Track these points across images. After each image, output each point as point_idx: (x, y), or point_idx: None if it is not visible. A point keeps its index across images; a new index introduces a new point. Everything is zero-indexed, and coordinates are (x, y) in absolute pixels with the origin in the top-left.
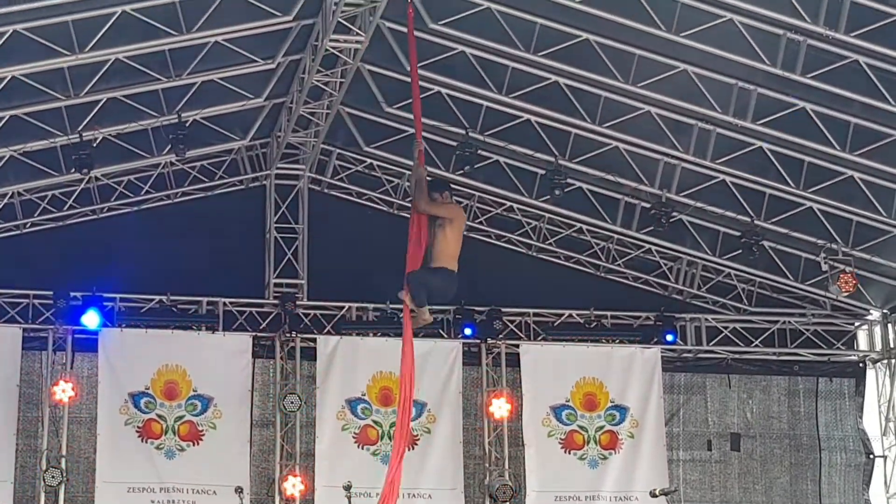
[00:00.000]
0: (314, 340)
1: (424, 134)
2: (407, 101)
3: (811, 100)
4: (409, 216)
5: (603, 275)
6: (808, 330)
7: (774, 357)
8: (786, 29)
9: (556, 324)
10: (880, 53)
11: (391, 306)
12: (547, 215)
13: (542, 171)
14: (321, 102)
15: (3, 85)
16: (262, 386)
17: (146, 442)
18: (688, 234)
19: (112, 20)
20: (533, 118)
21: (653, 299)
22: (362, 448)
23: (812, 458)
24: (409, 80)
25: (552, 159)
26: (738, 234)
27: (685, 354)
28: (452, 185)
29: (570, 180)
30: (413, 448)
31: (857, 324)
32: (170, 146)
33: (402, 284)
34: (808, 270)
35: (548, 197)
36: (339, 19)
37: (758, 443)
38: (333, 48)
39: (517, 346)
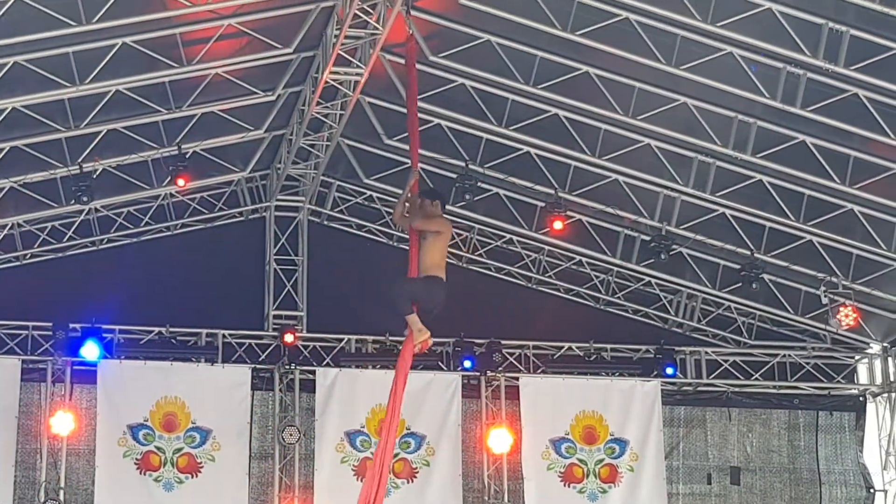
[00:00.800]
0: (313, 372)
1: (424, 166)
2: (407, 133)
3: (811, 133)
4: (406, 248)
5: (603, 307)
6: (808, 363)
7: (774, 390)
8: (785, 62)
9: (555, 356)
10: (880, 87)
11: (390, 338)
12: (546, 247)
13: (542, 204)
14: (321, 134)
15: (3, 116)
16: (260, 418)
17: (145, 474)
18: (688, 266)
19: (113, 52)
20: (533, 150)
21: (653, 332)
22: (361, 480)
23: (812, 492)
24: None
25: (552, 191)
26: (738, 266)
27: (685, 387)
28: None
29: (569, 212)
30: (412, 481)
31: (857, 357)
32: (170, 177)
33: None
34: (809, 303)
35: (547, 230)
36: (340, 52)
37: (758, 476)
38: (334, 80)
39: (517, 378)
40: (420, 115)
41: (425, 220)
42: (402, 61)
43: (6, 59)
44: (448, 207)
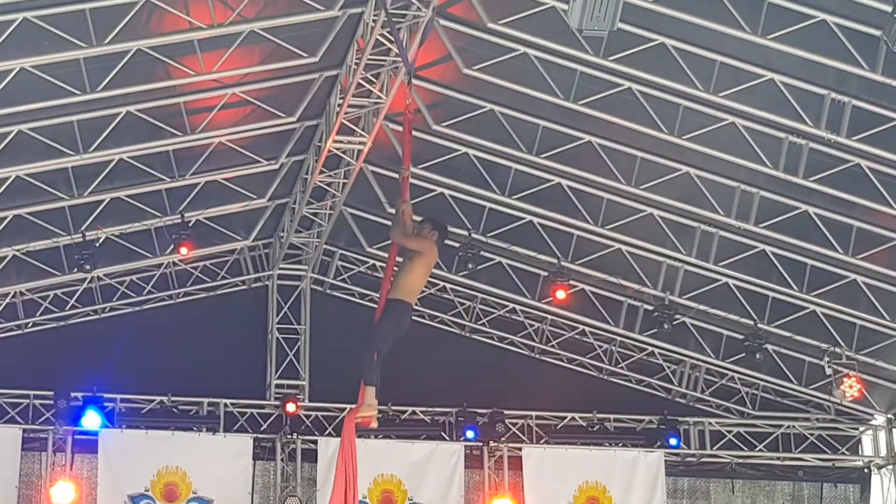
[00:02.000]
0: (315, 442)
1: None
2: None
3: (814, 203)
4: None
5: (606, 377)
6: (812, 434)
7: (778, 462)
8: (788, 132)
9: (558, 427)
10: (882, 157)
11: (392, 408)
12: (549, 317)
13: (545, 273)
14: (324, 203)
15: (7, 185)
16: (262, 488)
17: None
18: (691, 336)
19: (116, 120)
20: (535, 220)
21: (656, 402)
22: None
23: None
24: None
25: (555, 261)
26: (741, 337)
27: (689, 458)
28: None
29: (572, 282)
30: None
31: (861, 429)
32: (172, 246)
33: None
34: (812, 374)
35: (550, 299)
36: (343, 120)
37: None
38: (337, 149)
39: (520, 448)
40: (423, 183)
41: (408, 238)
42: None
43: (10, 128)
44: (451, 276)
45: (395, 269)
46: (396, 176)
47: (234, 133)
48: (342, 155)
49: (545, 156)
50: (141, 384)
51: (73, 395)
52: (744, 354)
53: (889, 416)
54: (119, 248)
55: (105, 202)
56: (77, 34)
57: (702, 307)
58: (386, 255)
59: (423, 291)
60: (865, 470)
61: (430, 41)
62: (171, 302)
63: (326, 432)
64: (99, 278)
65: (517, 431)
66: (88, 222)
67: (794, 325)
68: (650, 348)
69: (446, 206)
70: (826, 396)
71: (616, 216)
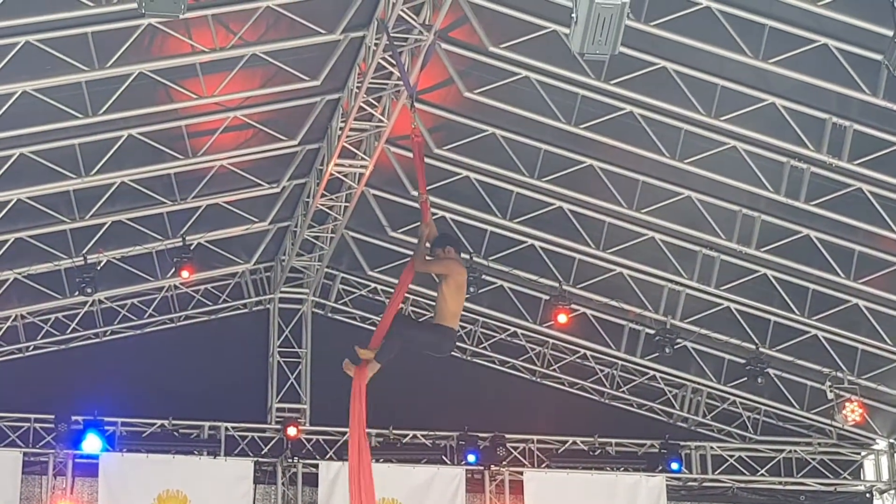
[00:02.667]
0: (316, 466)
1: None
2: (412, 225)
3: (815, 227)
4: None
5: (607, 401)
6: (814, 459)
7: (780, 486)
8: (789, 156)
9: (560, 451)
10: (883, 181)
11: (394, 432)
12: (551, 341)
13: (547, 297)
14: (326, 226)
15: (8, 208)
16: None
17: None
18: (692, 360)
19: (118, 144)
20: (537, 243)
21: (657, 427)
22: None
23: None
24: (413, 204)
25: (556, 284)
26: (742, 361)
27: (690, 483)
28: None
29: (574, 306)
30: None
31: (863, 453)
32: (174, 269)
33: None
34: (814, 398)
35: (552, 323)
36: (345, 144)
37: None
38: (338, 172)
39: (521, 473)
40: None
41: (429, 264)
42: (408, 154)
43: (12, 151)
44: None
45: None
46: (401, 200)
47: (235, 156)
48: (344, 178)
49: (547, 179)
50: (142, 407)
51: (73, 418)
52: (745, 378)
53: (891, 440)
54: (120, 271)
55: (106, 225)
56: (79, 57)
57: (703, 331)
58: (387, 278)
59: (422, 315)
60: (867, 495)
61: (432, 65)
62: (173, 325)
63: (327, 456)
64: (100, 301)
65: (518, 455)
66: (90, 245)
67: (796, 349)
68: (652, 372)
69: (448, 230)
70: (828, 421)
71: (617, 240)
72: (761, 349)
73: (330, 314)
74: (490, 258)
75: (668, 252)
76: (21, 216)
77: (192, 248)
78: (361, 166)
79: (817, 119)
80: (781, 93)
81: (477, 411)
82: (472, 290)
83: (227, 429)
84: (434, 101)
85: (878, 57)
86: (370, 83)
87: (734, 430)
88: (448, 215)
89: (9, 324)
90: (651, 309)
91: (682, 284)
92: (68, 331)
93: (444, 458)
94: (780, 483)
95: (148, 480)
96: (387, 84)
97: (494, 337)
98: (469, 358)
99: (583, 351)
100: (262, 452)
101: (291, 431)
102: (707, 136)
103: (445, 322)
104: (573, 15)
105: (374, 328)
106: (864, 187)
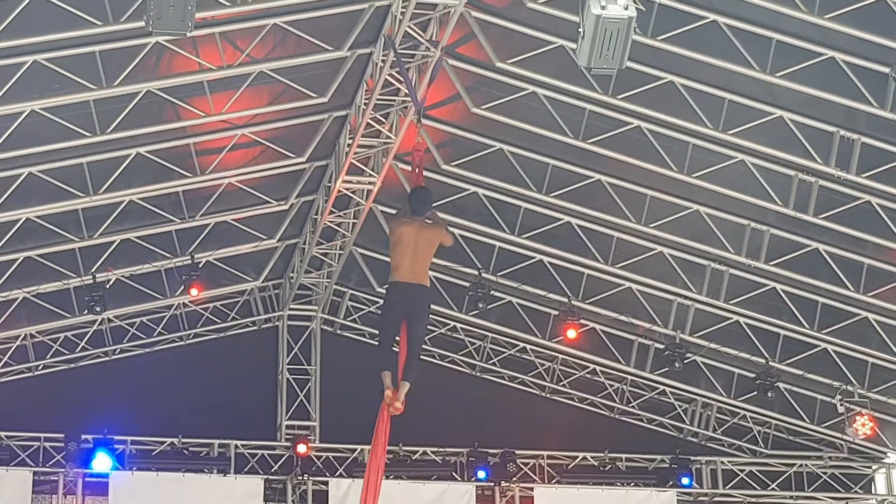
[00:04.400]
0: (326, 483)
1: (436, 274)
2: None
3: (824, 240)
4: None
5: (617, 416)
6: (825, 473)
7: (791, 501)
8: (797, 170)
9: (570, 466)
10: (892, 194)
11: (403, 448)
12: (560, 356)
13: (556, 312)
14: (334, 243)
15: (17, 227)
16: None
17: None
18: (702, 375)
19: (126, 162)
20: (545, 258)
21: (668, 441)
22: None
23: None
24: None
25: (565, 300)
26: (752, 375)
27: (701, 498)
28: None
29: (583, 321)
30: None
31: (874, 467)
32: (182, 287)
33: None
34: (824, 412)
35: (561, 338)
36: (353, 160)
37: None
38: (346, 189)
39: (531, 489)
40: None
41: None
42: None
43: (20, 170)
44: (461, 316)
45: None
46: None
47: (243, 174)
48: (352, 195)
49: (555, 195)
50: (151, 426)
51: (83, 437)
52: (755, 393)
53: None
54: (129, 289)
55: (115, 244)
56: (87, 76)
57: (713, 345)
58: None
59: (432, 331)
60: None
61: (439, 80)
62: (182, 343)
63: (337, 473)
64: (109, 320)
65: (529, 471)
66: (98, 264)
67: (806, 363)
68: (661, 387)
69: (456, 246)
70: (839, 435)
71: (626, 255)
72: (771, 363)
73: (339, 331)
74: (499, 274)
75: (677, 266)
76: (30, 235)
77: (200, 265)
78: (369, 183)
79: (825, 132)
80: (789, 106)
81: (487, 427)
82: (480, 305)
83: (236, 446)
84: (441, 117)
85: (886, 69)
86: (377, 100)
87: (745, 445)
88: (456, 231)
89: (18, 343)
90: (660, 323)
91: (691, 299)
92: (77, 349)
93: (454, 474)
94: (791, 497)
95: (158, 499)
96: (394, 100)
97: (504, 353)
98: (478, 374)
99: (592, 366)
100: (272, 470)
101: (301, 449)
102: (715, 150)
103: (393, 277)
104: (580, 30)
105: None
106: (872, 200)
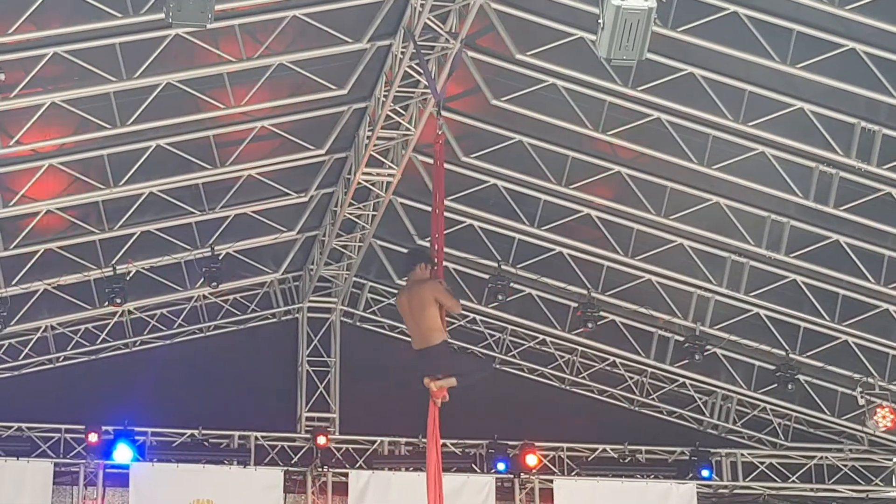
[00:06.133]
0: (346, 475)
1: (456, 266)
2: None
3: (844, 232)
4: None
5: (637, 409)
6: (845, 466)
7: (812, 493)
8: (818, 161)
9: (589, 458)
10: None
11: (423, 440)
12: (580, 348)
13: (575, 304)
14: (353, 235)
15: (37, 219)
16: None
17: None
18: (722, 367)
19: (146, 154)
20: (565, 251)
21: (688, 434)
22: None
23: None
24: None
25: (585, 292)
26: (773, 367)
27: (721, 490)
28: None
29: (602, 313)
30: None
31: (895, 459)
32: (203, 279)
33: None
34: (845, 405)
35: (580, 330)
36: (372, 153)
37: None
38: (366, 181)
39: (551, 481)
40: (452, 215)
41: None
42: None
43: (41, 162)
44: (481, 308)
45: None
46: (428, 209)
47: (263, 166)
48: (371, 187)
49: (574, 186)
50: (172, 417)
51: (104, 428)
52: (776, 385)
53: None
54: (149, 281)
55: (135, 236)
56: (107, 68)
57: (733, 338)
58: None
59: (451, 323)
60: None
61: (459, 73)
62: (202, 335)
63: (357, 465)
64: (129, 312)
65: (548, 464)
66: (119, 256)
67: (827, 355)
68: (681, 379)
69: (475, 238)
70: (859, 427)
71: (646, 247)
72: (791, 355)
73: (358, 323)
74: (518, 266)
75: (697, 258)
76: (50, 227)
77: (220, 258)
78: (389, 175)
79: (846, 123)
80: (809, 97)
81: (506, 420)
82: (500, 297)
83: (256, 438)
84: (461, 109)
85: None
86: (397, 92)
87: (765, 437)
88: (475, 223)
89: (39, 335)
90: (680, 316)
91: (711, 291)
92: (98, 341)
93: (473, 466)
94: (811, 490)
95: (178, 490)
96: (413, 92)
97: (523, 345)
98: (498, 366)
99: (612, 358)
100: (292, 462)
101: (321, 440)
102: (735, 141)
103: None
104: (600, 21)
105: (402, 337)
106: (893, 192)
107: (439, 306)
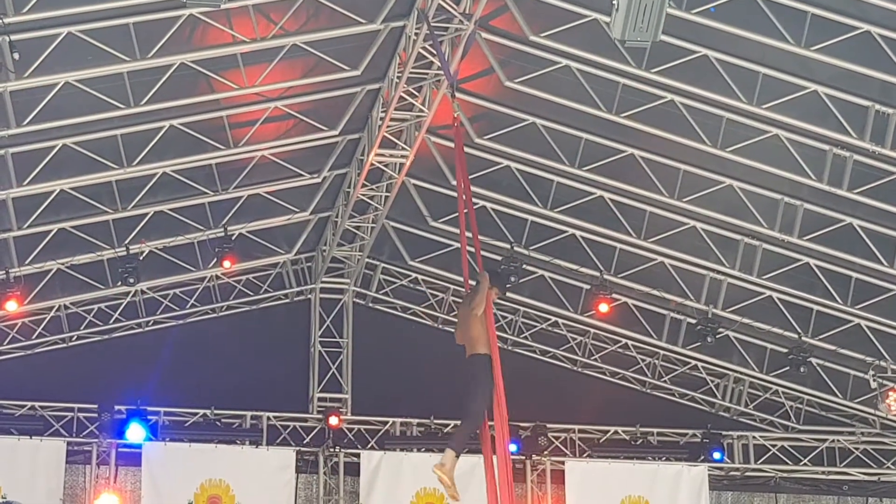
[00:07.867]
0: (358, 455)
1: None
2: (452, 215)
3: (858, 215)
4: (452, 331)
5: (649, 391)
6: (857, 449)
7: (823, 476)
8: (832, 144)
9: (601, 440)
10: None
11: (435, 421)
12: (592, 330)
13: (588, 286)
14: (366, 216)
15: (51, 198)
16: (305, 501)
17: None
18: (734, 350)
19: (160, 134)
20: (578, 233)
21: (699, 416)
22: None
23: None
24: (454, 194)
25: (597, 274)
26: (785, 350)
27: (732, 473)
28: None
29: (615, 295)
30: None
31: None
32: (215, 259)
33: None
34: (857, 388)
35: (593, 312)
36: (385, 134)
37: None
38: (379, 162)
39: (562, 462)
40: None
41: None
42: (448, 143)
43: (55, 142)
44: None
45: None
46: (441, 190)
47: (276, 147)
48: (384, 168)
49: (587, 169)
50: (184, 397)
51: (116, 408)
52: (788, 368)
53: None
54: (162, 261)
55: (148, 216)
56: (121, 48)
57: (745, 320)
58: (427, 268)
59: None
60: None
61: (472, 54)
62: (215, 315)
63: (369, 445)
64: (142, 292)
65: (560, 445)
66: (132, 236)
67: (839, 338)
68: (693, 362)
69: (489, 220)
70: (871, 410)
71: (659, 229)
72: (804, 338)
73: (371, 304)
74: (531, 248)
75: (710, 241)
76: (64, 207)
77: (233, 238)
78: (402, 156)
79: (860, 106)
80: (824, 80)
81: (518, 401)
82: (512, 279)
83: (269, 418)
84: (474, 91)
85: None
86: (410, 73)
87: (777, 420)
88: (489, 205)
89: (52, 314)
90: (693, 298)
91: (723, 273)
92: (111, 321)
93: None
94: (822, 473)
95: (190, 469)
96: (427, 74)
97: (535, 327)
98: (510, 348)
99: (624, 340)
100: (304, 442)
101: (333, 421)
102: (749, 124)
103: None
104: (614, 2)
105: (415, 318)
106: None
107: (483, 317)
